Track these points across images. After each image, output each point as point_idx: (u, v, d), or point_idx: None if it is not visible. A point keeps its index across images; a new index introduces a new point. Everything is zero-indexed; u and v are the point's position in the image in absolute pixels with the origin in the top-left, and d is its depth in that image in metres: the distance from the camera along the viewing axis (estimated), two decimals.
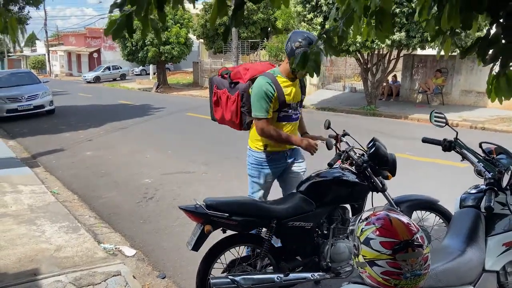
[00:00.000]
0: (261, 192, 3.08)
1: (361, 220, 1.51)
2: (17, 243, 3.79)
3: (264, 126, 2.85)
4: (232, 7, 1.36)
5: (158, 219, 4.57)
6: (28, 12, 15.14)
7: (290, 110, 2.95)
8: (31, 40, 54.02)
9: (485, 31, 1.57)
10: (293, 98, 2.92)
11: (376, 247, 1.38)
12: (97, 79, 33.01)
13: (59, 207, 4.81)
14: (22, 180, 5.86)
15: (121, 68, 35.24)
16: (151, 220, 4.56)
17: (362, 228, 1.46)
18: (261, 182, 3.05)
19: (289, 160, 3.05)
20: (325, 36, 1.77)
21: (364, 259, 1.41)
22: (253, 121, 2.93)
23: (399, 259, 1.34)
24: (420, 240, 1.38)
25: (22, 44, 53.74)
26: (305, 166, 3.12)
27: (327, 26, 1.98)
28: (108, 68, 34.80)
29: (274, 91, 2.82)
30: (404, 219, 1.45)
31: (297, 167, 3.09)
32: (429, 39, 10.15)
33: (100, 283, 3.06)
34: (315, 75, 1.77)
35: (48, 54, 41.77)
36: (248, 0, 1.36)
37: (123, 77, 34.78)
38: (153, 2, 1.63)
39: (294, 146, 3.02)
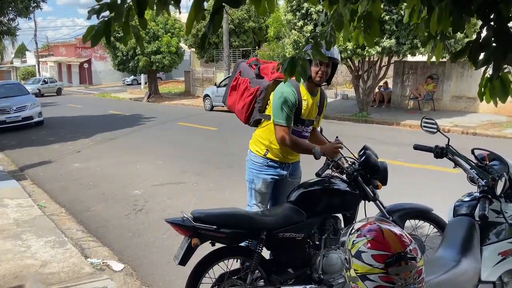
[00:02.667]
0: (257, 199, 3.00)
1: (352, 232, 1.44)
2: (1, 259, 3.67)
3: (284, 134, 2.75)
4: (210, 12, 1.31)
5: (147, 232, 4.46)
6: (18, 23, 15.03)
7: (301, 126, 2.86)
8: (21, 51, 53.71)
9: (474, 35, 1.53)
10: (308, 114, 2.84)
11: (368, 261, 1.31)
12: (38, 93, 27.87)
13: (46, 221, 4.69)
14: (8, 193, 5.73)
15: (56, 81, 32.09)
16: (140, 233, 4.45)
17: (354, 241, 1.39)
18: (257, 188, 2.97)
19: (285, 172, 2.95)
20: (312, 40, 1.73)
21: (356, 273, 1.34)
22: (274, 127, 2.81)
23: (392, 273, 1.27)
24: (413, 253, 1.31)
25: (12, 56, 53.46)
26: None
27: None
28: (45, 81, 31.09)
29: (296, 101, 2.74)
30: (397, 230, 1.39)
31: (295, 183, 2.97)
32: (419, 45, 10.25)
33: None
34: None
35: (38, 65, 41.55)
36: (226, 3, 1.30)
37: (59, 92, 30.33)
38: (134, 8, 1.58)
39: (296, 160, 2.95)
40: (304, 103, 2.78)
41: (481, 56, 1.43)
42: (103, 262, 3.71)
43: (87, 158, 8.28)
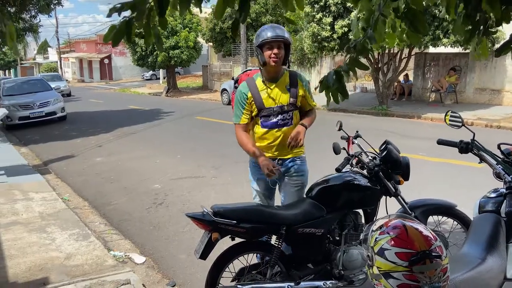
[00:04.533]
0: (258, 198, 2.98)
1: (374, 229, 1.43)
2: (27, 251, 3.78)
3: (235, 131, 2.85)
4: None
5: (167, 226, 4.52)
6: (39, 20, 15.35)
7: (272, 116, 2.77)
8: (44, 48, 54.86)
9: None
10: (275, 101, 2.75)
11: (392, 258, 1.29)
12: None
13: (70, 214, 4.80)
14: (33, 187, 5.88)
15: (67, 86, 25.46)
16: (161, 227, 4.52)
17: (376, 238, 1.37)
18: (255, 187, 2.97)
19: (284, 169, 2.84)
20: (353, 49, 1.61)
21: (379, 270, 1.32)
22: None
23: (416, 271, 1.25)
24: (438, 251, 1.29)
25: (35, 52, 54.66)
26: (303, 182, 2.90)
27: (350, 36, 1.85)
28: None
29: (247, 96, 2.77)
30: (421, 227, 1.36)
31: (292, 181, 2.87)
32: (441, 36, 10.01)
33: None
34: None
35: (60, 61, 42.36)
36: None
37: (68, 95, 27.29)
38: (155, 8, 1.58)
39: (288, 156, 2.85)
40: (263, 94, 2.76)
41: None
42: (126, 255, 3.78)
43: (109, 152, 8.42)
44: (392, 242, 1.32)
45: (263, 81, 2.79)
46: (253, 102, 2.76)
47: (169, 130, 10.97)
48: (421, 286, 1.25)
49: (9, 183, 6.12)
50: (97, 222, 4.71)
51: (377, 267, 1.33)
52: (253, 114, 2.80)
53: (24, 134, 11.41)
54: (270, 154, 2.84)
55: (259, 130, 2.84)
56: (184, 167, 6.84)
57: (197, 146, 8.63)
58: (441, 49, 12.00)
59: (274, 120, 2.79)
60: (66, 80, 30.39)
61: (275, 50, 2.66)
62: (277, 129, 2.80)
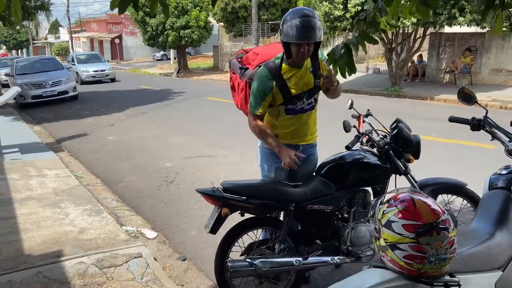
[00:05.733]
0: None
1: (382, 202, 1.43)
2: (42, 225, 3.88)
3: (251, 120, 2.66)
4: None
5: (178, 203, 4.59)
6: None
7: (299, 102, 2.62)
8: (55, 27, 54.93)
9: None
10: (301, 87, 2.59)
11: (398, 230, 1.30)
12: None
13: (83, 191, 4.90)
14: (47, 164, 5.99)
15: None
16: (172, 203, 4.59)
17: (384, 211, 1.38)
18: (268, 175, 2.84)
19: (301, 157, 2.73)
20: (363, 21, 1.56)
21: (386, 242, 1.33)
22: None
23: (423, 243, 1.26)
24: (445, 223, 1.29)
25: (46, 31, 54.76)
26: (315, 166, 2.84)
27: (366, 7, 1.77)
28: None
29: (272, 87, 2.53)
30: (429, 201, 1.37)
31: (307, 166, 2.79)
32: (457, 15, 9.75)
33: (121, 264, 3.10)
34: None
35: (71, 41, 42.43)
36: None
37: None
38: None
39: (310, 141, 2.77)
40: (289, 82, 2.55)
41: None
42: (137, 230, 3.86)
43: (120, 131, 8.50)
44: (400, 215, 1.32)
45: (287, 66, 2.57)
46: (279, 92, 2.56)
47: (180, 110, 11.00)
48: (427, 257, 1.26)
49: (23, 160, 6.24)
50: (109, 198, 4.80)
51: (384, 239, 1.35)
52: (277, 103, 2.61)
53: (37, 112, 11.55)
54: (290, 142, 2.72)
55: (282, 117, 2.67)
56: (194, 147, 6.89)
57: (207, 126, 8.66)
58: (456, 29, 11.71)
59: (300, 106, 2.63)
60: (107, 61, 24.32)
61: (304, 49, 2.41)
62: (302, 114, 2.67)
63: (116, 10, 1.66)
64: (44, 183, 5.14)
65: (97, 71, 19.42)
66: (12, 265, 3.08)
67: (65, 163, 6.16)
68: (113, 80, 19.78)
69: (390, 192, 1.48)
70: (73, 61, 20.76)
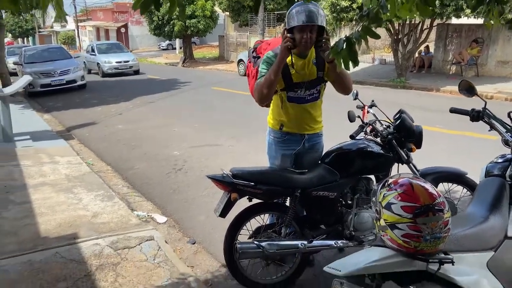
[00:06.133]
0: None
1: (383, 187, 1.55)
2: (56, 209, 4.03)
3: (251, 86, 2.75)
4: None
5: (187, 190, 4.73)
6: None
7: (299, 91, 2.68)
8: (61, 16, 54.79)
9: None
10: (303, 77, 2.67)
11: (397, 211, 1.42)
12: None
13: (94, 177, 5.05)
14: (58, 151, 6.15)
15: None
16: (180, 190, 4.73)
17: (384, 194, 1.50)
18: (276, 163, 2.94)
19: (307, 145, 2.87)
20: (366, 17, 1.63)
21: (386, 222, 1.45)
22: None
23: (420, 223, 1.38)
24: (441, 205, 1.41)
25: (52, 20, 54.74)
26: (320, 155, 2.95)
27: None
28: None
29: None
30: (427, 185, 1.48)
31: (313, 155, 2.89)
32: (464, 7, 9.73)
33: (135, 246, 3.25)
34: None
35: (78, 30, 42.48)
36: None
37: None
38: None
39: (315, 131, 2.86)
40: (291, 69, 2.64)
41: None
42: (148, 215, 4.01)
43: (129, 120, 8.64)
44: (399, 198, 1.44)
45: (292, 54, 2.63)
46: (281, 76, 2.63)
47: (186, 99, 11.12)
48: (423, 236, 1.38)
49: (35, 147, 6.40)
50: (120, 185, 4.95)
51: (384, 220, 1.47)
52: (279, 88, 2.70)
53: (46, 101, 11.71)
54: (295, 130, 2.81)
55: (285, 104, 2.77)
56: (201, 136, 7.02)
57: (214, 116, 8.78)
58: (463, 20, 11.67)
59: (302, 95, 2.72)
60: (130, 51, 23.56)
61: (307, 35, 2.50)
62: (304, 104, 2.76)
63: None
64: (57, 169, 5.30)
65: (120, 62, 17.83)
66: (31, 247, 3.24)
67: (76, 151, 6.31)
68: (137, 72, 18.25)
69: (391, 177, 1.60)
70: (93, 51, 19.07)
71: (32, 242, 3.33)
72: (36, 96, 12.52)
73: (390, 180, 1.56)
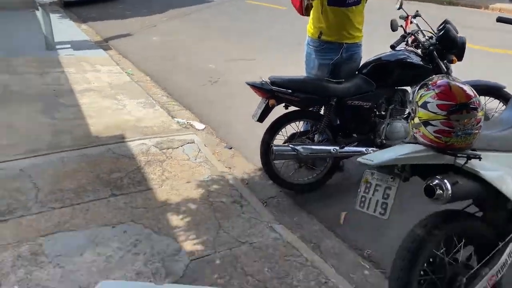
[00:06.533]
0: None
1: (421, 87, 1.62)
2: (103, 113, 4.32)
3: None
4: None
5: (223, 100, 4.90)
6: None
7: None
8: None
9: None
10: None
11: (433, 109, 1.50)
12: None
13: (135, 86, 5.27)
14: (99, 61, 6.35)
15: None
16: (217, 101, 4.90)
17: (421, 94, 1.57)
18: (313, 72, 3.00)
19: (345, 55, 2.89)
20: None
21: (420, 120, 1.55)
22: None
23: (453, 119, 1.46)
24: (475, 104, 1.48)
25: None
26: (358, 66, 2.98)
27: None
28: None
29: None
30: (465, 86, 1.54)
31: (351, 65, 2.92)
32: None
33: (177, 147, 3.52)
34: None
35: None
36: None
37: None
38: None
39: (354, 40, 2.86)
40: None
41: None
42: (188, 122, 4.24)
43: (164, 32, 8.64)
44: (436, 97, 1.52)
45: None
46: None
47: (221, 12, 10.85)
48: (455, 131, 1.48)
49: (76, 56, 6.61)
50: (159, 94, 5.17)
51: (419, 117, 1.56)
52: None
53: (81, 11, 11.71)
54: (333, 38, 2.81)
55: (325, 8, 2.74)
56: (236, 50, 7.00)
57: (248, 29, 8.61)
58: None
59: None
60: None
61: None
62: (344, 8, 2.71)
63: None
64: (99, 77, 5.53)
65: None
66: (85, 143, 3.57)
67: (115, 61, 6.49)
68: None
69: (429, 79, 1.65)
70: None
71: (86, 140, 3.65)
72: (71, 6, 12.50)
73: (428, 81, 1.62)
